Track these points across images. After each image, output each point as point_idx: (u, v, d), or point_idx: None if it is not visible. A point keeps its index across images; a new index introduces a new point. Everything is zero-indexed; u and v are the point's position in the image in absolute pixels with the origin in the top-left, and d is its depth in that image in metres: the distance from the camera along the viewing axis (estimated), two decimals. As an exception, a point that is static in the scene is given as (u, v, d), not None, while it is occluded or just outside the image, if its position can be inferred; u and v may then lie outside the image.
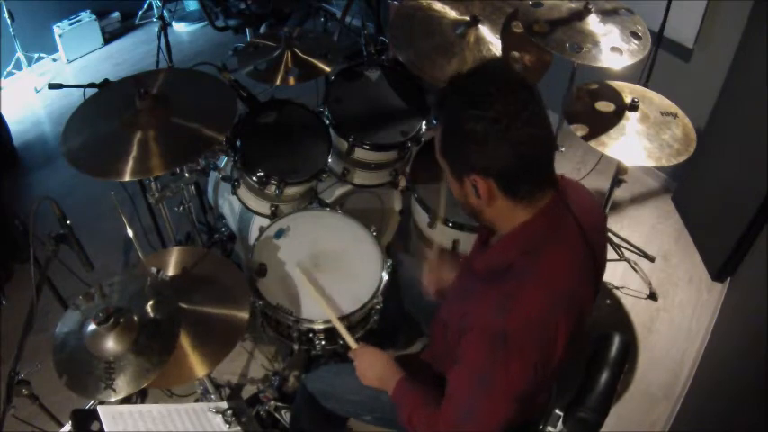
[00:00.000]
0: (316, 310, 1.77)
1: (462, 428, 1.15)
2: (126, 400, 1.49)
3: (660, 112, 2.01)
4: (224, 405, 1.51)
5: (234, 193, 2.11)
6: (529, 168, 1.07)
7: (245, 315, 1.54)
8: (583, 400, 1.34)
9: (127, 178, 1.63)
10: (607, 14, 2.00)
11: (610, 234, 2.67)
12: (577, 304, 1.13)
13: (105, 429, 1.42)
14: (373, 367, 1.45)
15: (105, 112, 1.82)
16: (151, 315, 1.41)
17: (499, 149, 1.04)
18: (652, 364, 2.35)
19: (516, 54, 2.03)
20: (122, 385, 1.30)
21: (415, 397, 1.32)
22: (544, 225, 1.12)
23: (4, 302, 2.60)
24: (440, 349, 1.43)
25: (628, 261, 2.64)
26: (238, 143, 2.00)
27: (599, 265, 1.25)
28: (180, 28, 4.47)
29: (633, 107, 1.97)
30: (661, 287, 2.61)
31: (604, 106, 2.02)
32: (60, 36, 4.04)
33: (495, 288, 1.12)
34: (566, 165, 3.09)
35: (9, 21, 3.59)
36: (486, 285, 1.16)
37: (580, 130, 1.95)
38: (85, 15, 4.15)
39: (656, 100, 2.06)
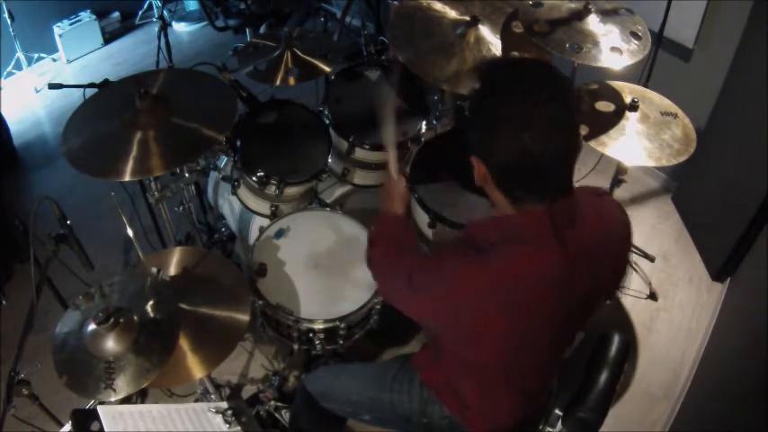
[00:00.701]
0: (316, 310, 1.77)
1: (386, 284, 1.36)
2: (126, 400, 1.49)
3: (660, 112, 2.01)
4: (224, 405, 1.51)
5: (234, 193, 2.11)
6: (525, 175, 1.06)
7: (245, 317, 1.54)
8: (582, 399, 1.34)
9: (127, 178, 1.63)
10: (607, 14, 2.00)
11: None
12: (526, 310, 1.11)
13: (105, 429, 1.42)
14: (392, 191, 1.53)
15: (105, 112, 1.82)
16: (151, 315, 1.41)
17: (503, 147, 1.03)
18: (652, 364, 2.35)
19: (516, 54, 2.03)
20: (122, 385, 1.30)
21: (396, 238, 1.44)
22: (525, 227, 1.10)
23: (4, 302, 2.61)
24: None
25: (628, 261, 2.64)
26: (238, 143, 2.00)
27: (588, 289, 1.19)
28: (180, 28, 4.47)
29: (633, 107, 1.97)
30: (661, 287, 2.61)
31: (604, 106, 2.02)
32: (60, 36, 4.04)
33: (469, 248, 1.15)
34: (566, 165, 3.09)
35: (9, 21, 3.59)
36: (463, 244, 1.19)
37: (580, 130, 1.95)
38: (85, 15, 4.15)
39: (656, 100, 2.06)
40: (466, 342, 1.20)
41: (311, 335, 1.81)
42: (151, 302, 1.42)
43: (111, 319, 1.33)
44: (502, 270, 1.09)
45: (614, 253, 1.26)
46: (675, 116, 2.00)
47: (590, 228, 1.15)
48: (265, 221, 2.05)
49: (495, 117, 1.03)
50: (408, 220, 1.53)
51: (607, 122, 1.97)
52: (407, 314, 1.24)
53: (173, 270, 1.66)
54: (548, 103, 1.00)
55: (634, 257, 2.68)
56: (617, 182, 2.27)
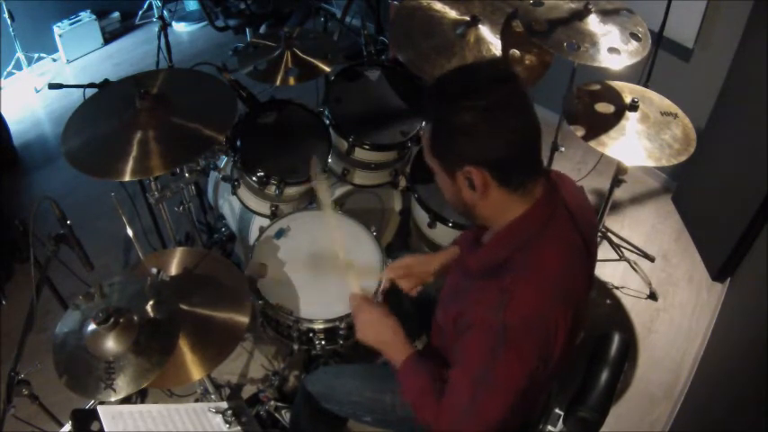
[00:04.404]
0: (316, 310, 1.77)
1: (463, 425, 1.14)
2: (126, 400, 1.49)
3: (660, 112, 2.01)
4: (224, 405, 1.51)
5: (234, 193, 2.11)
6: (520, 156, 1.09)
7: (244, 318, 1.54)
8: (583, 399, 1.34)
9: (127, 178, 1.63)
10: (607, 15, 2.00)
11: (610, 234, 2.67)
12: (574, 296, 1.14)
13: (105, 429, 1.42)
14: (379, 332, 1.38)
15: (105, 112, 1.82)
16: (151, 315, 1.41)
17: (490, 138, 1.05)
18: (652, 364, 2.35)
19: (517, 53, 2.03)
20: (122, 385, 1.29)
21: (423, 380, 1.26)
22: (537, 218, 1.13)
23: (4, 302, 2.60)
24: (437, 350, 1.42)
25: (628, 261, 2.64)
26: (238, 143, 2.00)
27: (592, 257, 1.26)
28: (180, 28, 4.47)
29: (633, 107, 1.97)
30: (661, 287, 2.61)
31: (604, 107, 2.02)
32: (60, 36, 4.04)
33: (490, 284, 1.12)
34: (566, 165, 3.09)
35: (9, 21, 3.59)
36: (481, 282, 1.16)
37: (580, 131, 1.95)
38: (85, 15, 4.14)
39: (656, 100, 2.06)
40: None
41: (311, 335, 1.81)
42: (151, 302, 1.42)
43: (111, 319, 1.33)
44: (541, 283, 1.09)
45: (595, 233, 1.32)
46: (675, 116, 2.00)
47: (575, 208, 1.20)
48: (265, 221, 2.05)
49: (476, 114, 1.03)
50: (418, 356, 1.31)
51: (607, 122, 1.97)
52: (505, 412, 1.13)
53: (173, 270, 1.66)
54: (505, 84, 1.06)
55: (634, 257, 2.68)
56: (617, 182, 2.27)
